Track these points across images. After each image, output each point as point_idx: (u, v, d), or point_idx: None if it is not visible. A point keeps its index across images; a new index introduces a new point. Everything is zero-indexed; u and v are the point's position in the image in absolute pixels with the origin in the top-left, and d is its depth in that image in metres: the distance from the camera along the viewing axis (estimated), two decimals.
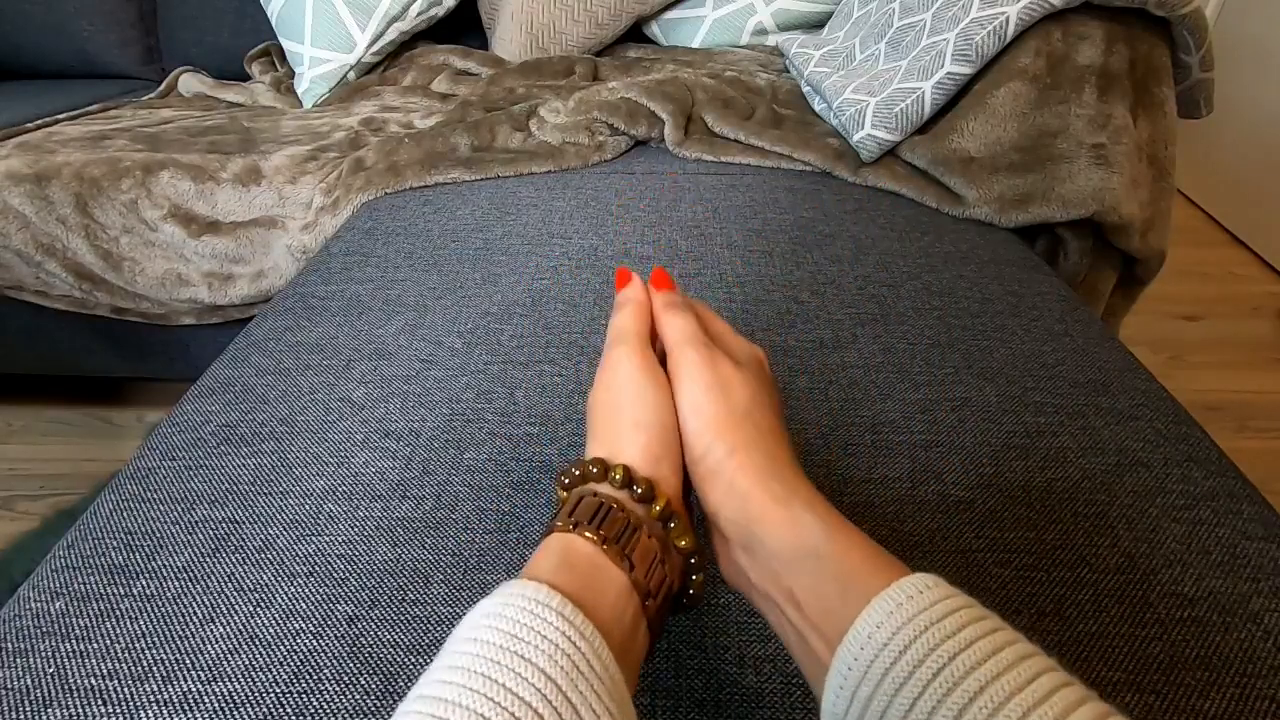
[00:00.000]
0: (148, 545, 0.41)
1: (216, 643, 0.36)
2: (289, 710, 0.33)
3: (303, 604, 0.38)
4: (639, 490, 0.27)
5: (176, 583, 0.39)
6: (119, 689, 0.34)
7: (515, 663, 0.21)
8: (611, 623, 0.24)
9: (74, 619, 0.38)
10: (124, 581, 0.39)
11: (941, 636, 0.21)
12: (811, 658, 0.24)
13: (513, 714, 0.19)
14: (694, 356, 0.30)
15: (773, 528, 0.26)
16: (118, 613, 0.38)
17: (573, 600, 0.23)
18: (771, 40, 1.29)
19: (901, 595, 0.22)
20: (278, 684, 0.34)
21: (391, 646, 0.36)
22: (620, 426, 0.29)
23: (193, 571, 0.40)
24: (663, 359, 0.32)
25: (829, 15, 1.22)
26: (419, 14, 1.26)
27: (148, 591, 0.39)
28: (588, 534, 0.25)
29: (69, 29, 1.42)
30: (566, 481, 0.29)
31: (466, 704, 0.19)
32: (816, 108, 0.99)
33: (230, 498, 0.44)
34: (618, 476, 0.27)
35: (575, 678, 0.21)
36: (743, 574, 0.28)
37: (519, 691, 0.20)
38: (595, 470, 0.28)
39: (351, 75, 1.28)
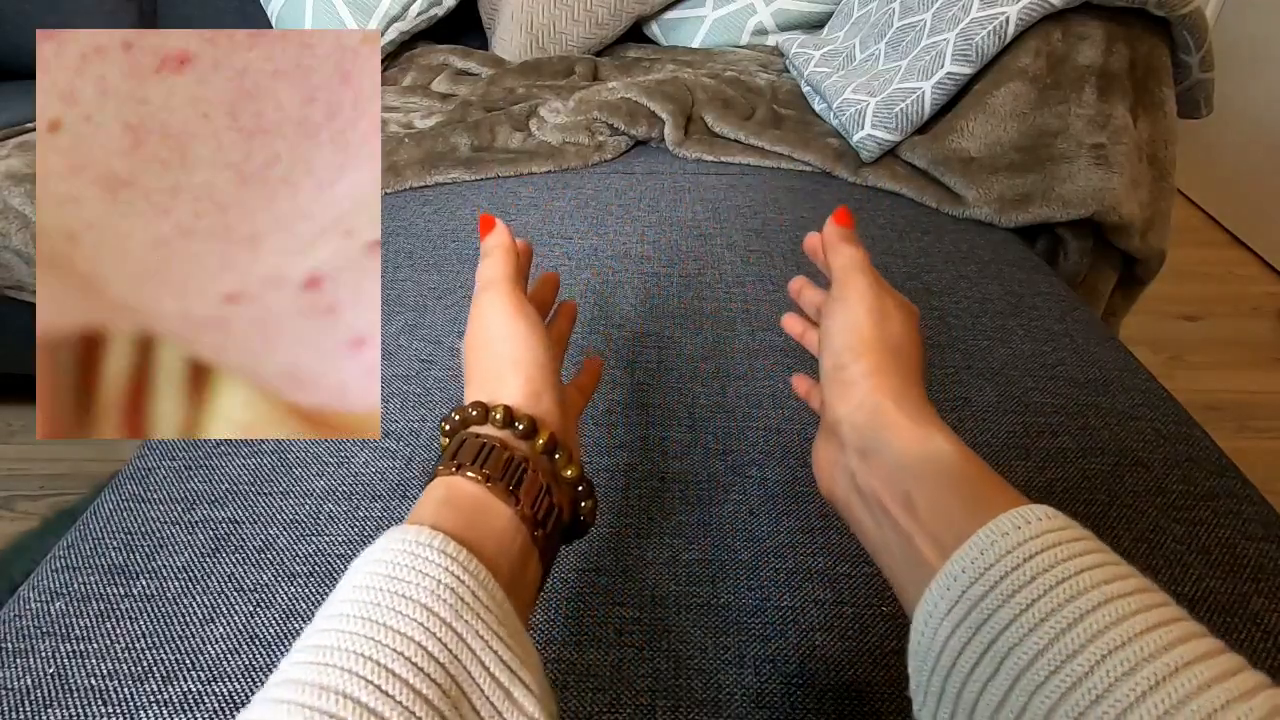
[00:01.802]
0: (148, 545, 0.41)
1: (216, 643, 0.36)
2: None
3: (303, 604, 0.38)
4: (520, 427, 0.27)
5: (176, 583, 0.39)
6: (119, 689, 0.34)
7: (396, 601, 0.20)
8: (498, 555, 0.24)
9: (74, 619, 0.38)
10: (124, 581, 0.39)
11: (1069, 554, 0.20)
12: (913, 561, 0.24)
13: (394, 649, 0.19)
14: (863, 282, 0.30)
15: (902, 436, 0.26)
16: (118, 613, 0.38)
17: (455, 538, 0.23)
18: (771, 40, 1.29)
19: (1032, 515, 0.21)
20: None
21: None
22: (496, 367, 0.29)
23: (193, 571, 0.40)
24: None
25: (829, 15, 1.22)
26: (419, 14, 1.26)
27: (148, 591, 0.39)
28: (470, 473, 0.25)
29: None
30: (448, 428, 0.28)
31: (347, 646, 0.19)
32: (816, 108, 0.99)
33: (230, 498, 0.44)
34: (498, 416, 0.27)
35: (460, 609, 0.21)
36: (848, 477, 0.28)
37: (400, 627, 0.20)
38: (475, 413, 0.27)
39: None
